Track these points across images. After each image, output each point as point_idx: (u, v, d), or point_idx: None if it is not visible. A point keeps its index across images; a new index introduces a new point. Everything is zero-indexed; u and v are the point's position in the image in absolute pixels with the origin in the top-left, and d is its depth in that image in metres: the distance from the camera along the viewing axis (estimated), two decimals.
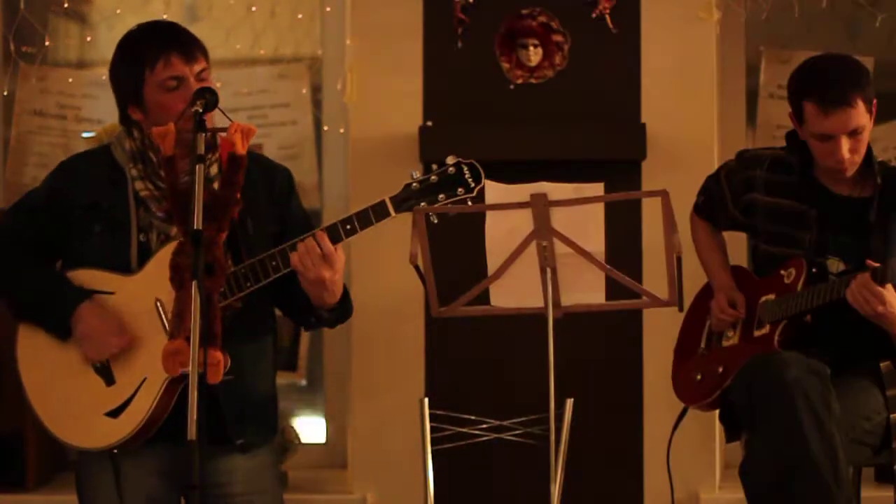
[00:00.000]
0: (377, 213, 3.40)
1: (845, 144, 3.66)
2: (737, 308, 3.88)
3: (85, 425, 3.46)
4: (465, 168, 3.42)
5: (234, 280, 3.40)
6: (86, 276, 3.50)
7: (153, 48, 3.48)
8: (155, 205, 3.48)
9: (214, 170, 3.49)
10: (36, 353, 3.54)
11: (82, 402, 3.46)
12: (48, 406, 3.51)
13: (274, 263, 3.40)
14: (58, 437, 3.51)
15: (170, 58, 3.46)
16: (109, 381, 3.45)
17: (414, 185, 3.41)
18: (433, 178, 3.41)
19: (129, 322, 3.46)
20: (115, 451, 3.46)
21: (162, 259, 3.41)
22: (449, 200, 3.41)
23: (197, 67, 3.48)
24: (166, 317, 3.41)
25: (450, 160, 3.43)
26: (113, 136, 3.67)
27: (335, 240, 3.39)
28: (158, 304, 3.42)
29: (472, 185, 3.41)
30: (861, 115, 3.65)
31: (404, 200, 3.40)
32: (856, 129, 3.65)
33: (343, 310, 3.54)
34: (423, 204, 3.40)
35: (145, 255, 3.47)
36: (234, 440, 3.48)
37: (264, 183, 3.58)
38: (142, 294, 3.44)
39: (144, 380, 3.41)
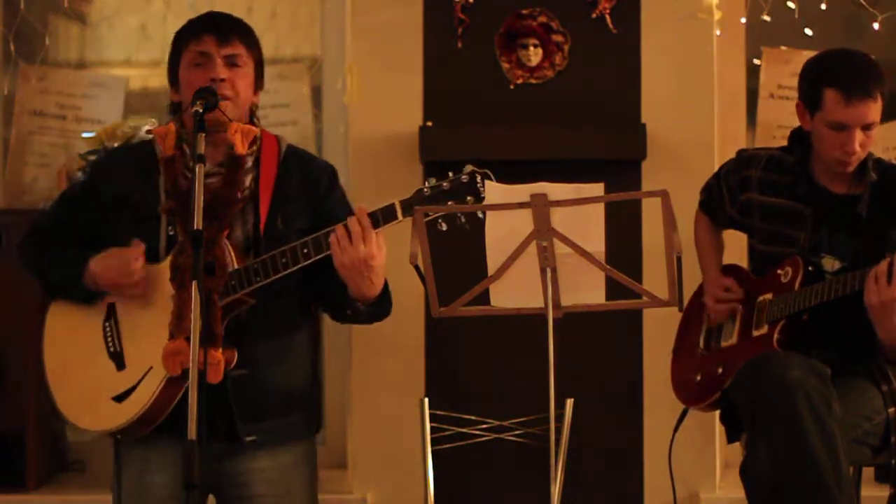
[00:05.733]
0: (386, 215, 3.40)
1: (858, 137, 3.67)
2: (731, 290, 3.89)
3: (93, 408, 3.50)
4: (479, 177, 3.42)
5: (244, 275, 3.40)
6: None
7: (192, 29, 3.55)
8: None
9: (249, 162, 3.50)
10: (58, 338, 3.59)
11: (93, 386, 3.50)
12: (63, 389, 3.56)
13: (284, 261, 3.40)
14: (67, 418, 3.56)
15: (202, 37, 3.51)
16: (120, 365, 3.48)
17: (425, 190, 3.41)
18: (445, 185, 3.42)
19: (145, 312, 3.49)
20: (119, 436, 3.48)
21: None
22: (457, 209, 3.41)
23: (228, 50, 3.50)
24: None
25: (466, 168, 3.43)
26: (115, 137, 3.70)
27: None
28: (172, 296, 3.44)
29: (483, 195, 3.41)
30: (877, 111, 3.68)
31: (413, 205, 3.40)
32: (871, 124, 3.68)
33: (381, 305, 3.53)
34: (430, 211, 3.39)
35: (174, 247, 3.49)
36: (244, 437, 3.47)
37: (302, 179, 3.59)
38: (159, 285, 3.47)
39: (150, 368, 3.43)
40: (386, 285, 3.50)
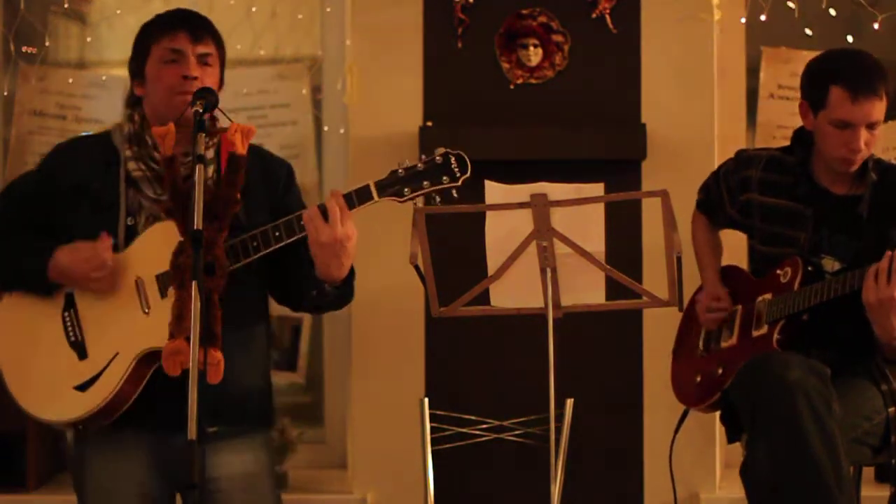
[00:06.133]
0: (361, 196, 3.42)
1: (863, 136, 3.67)
2: (722, 300, 3.89)
3: (53, 398, 3.48)
4: (453, 158, 3.44)
5: None
6: None
7: (163, 24, 3.55)
8: (146, 185, 3.51)
9: (210, 154, 3.50)
10: (13, 327, 3.57)
11: (54, 376, 3.49)
12: (20, 379, 3.54)
13: (255, 244, 3.41)
14: (24, 409, 3.54)
15: (176, 33, 3.51)
16: (82, 355, 3.47)
17: (400, 171, 3.43)
18: (419, 166, 3.43)
19: (107, 300, 3.48)
20: (80, 427, 3.48)
21: (146, 239, 3.46)
22: (433, 188, 3.43)
23: (201, 48, 3.51)
24: (144, 295, 3.45)
25: (438, 150, 3.45)
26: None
27: None
28: (138, 282, 3.44)
29: (458, 174, 3.42)
30: (882, 110, 3.68)
31: (389, 186, 3.43)
32: (875, 122, 3.68)
33: (345, 290, 3.54)
34: (406, 190, 3.41)
35: (133, 238, 3.49)
36: (206, 428, 3.46)
37: (261, 175, 3.60)
38: (124, 272, 3.47)
39: (116, 355, 3.43)
40: (352, 271, 3.51)
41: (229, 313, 3.43)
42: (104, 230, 3.47)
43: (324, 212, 3.37)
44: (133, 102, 3.61)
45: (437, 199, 3.44)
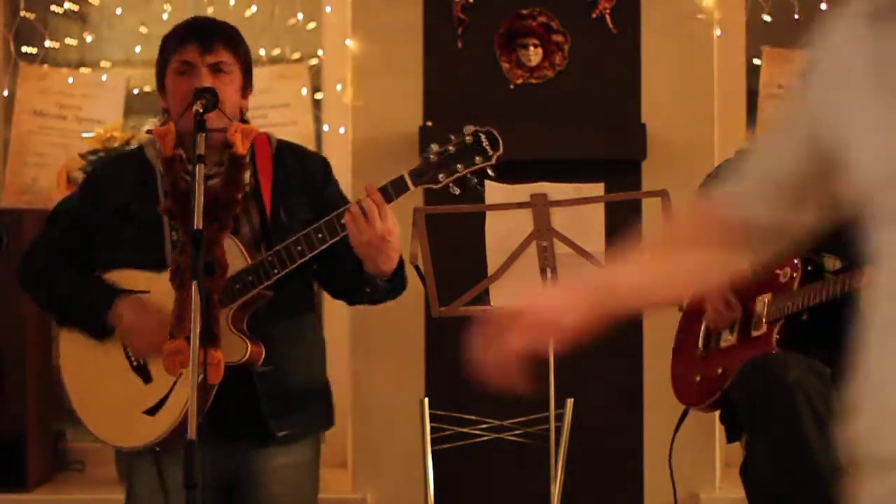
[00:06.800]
0: (396, 188, 3.37)
1: None
2: (731, 310, 3.89)
3: (125, 425, 3.46)
4: (483, 136, 3.38)
5: (261, 269, 3.39)
6: (120, 277, 3.51)
7: (177, 37, 3.53)
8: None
9: (247, 159, 3.49)
10: (77, 357, 3.54)
11: (121, 402, 3.47)
12: (89, 408, 3.52)
13: (300, 248, 3.38)
14: (100, 438, 3.53)
15: (186, 46, 3.49)
16: (147, 379, 3.45)
17: (432, 157, 3.37)
18: (451, 148, 3.37)
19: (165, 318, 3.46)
20: (158, 448, 3.46)
21: None
22: (467, 170, 3.37)
23: (212, 59, 3.48)
24: None
25: (467, 130, 3.40)
26: (115, 138, 3.69)
27: None
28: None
29: (491, 153, 3.37)
30: None
31: (423, 174, 3.36)
32: None
33: (398, 281, 3.48)
34: (441, 175, 3.33)
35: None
36: (276, 433, 3.45)
37: (298, 171, 3.57)
38: (171, 292, 3.44)
39: (180, 375, 3.41)
40: (401, 261, 3.48)
41: (279, 315, 3.42)
42: (150, 247, 3.44)
43: (363, 210, 3.34)
44: (165, 114, 3.61)
45: (475, 180, 3.39)
